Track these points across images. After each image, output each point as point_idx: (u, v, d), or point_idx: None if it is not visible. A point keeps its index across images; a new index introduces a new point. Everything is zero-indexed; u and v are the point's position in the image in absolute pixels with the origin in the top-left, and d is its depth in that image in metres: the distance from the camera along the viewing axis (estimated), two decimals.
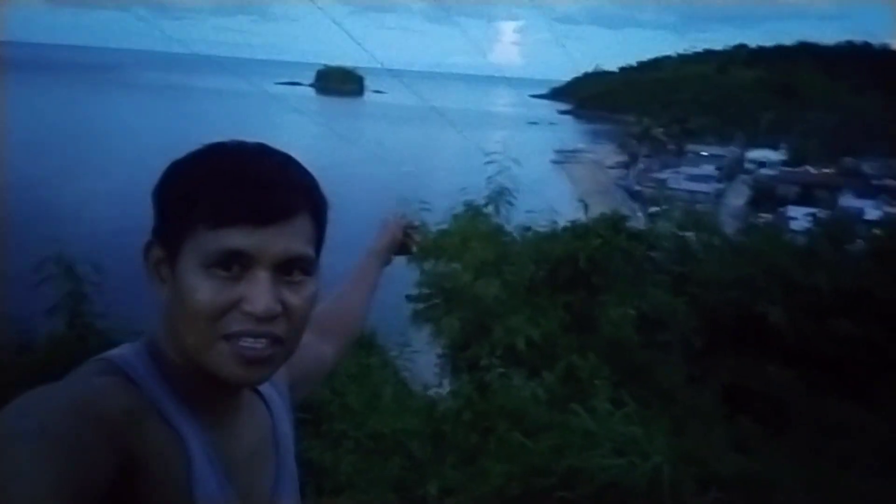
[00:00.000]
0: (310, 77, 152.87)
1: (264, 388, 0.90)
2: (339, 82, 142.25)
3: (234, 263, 0.69)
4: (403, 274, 6.14)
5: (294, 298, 0.72)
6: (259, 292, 0.69)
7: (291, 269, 0.72)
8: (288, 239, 0.71)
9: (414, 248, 1.39)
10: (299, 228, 0.73)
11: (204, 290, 0.69)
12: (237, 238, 0.69)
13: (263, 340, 0.70)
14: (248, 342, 0.70)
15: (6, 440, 0.55)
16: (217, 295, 0.69)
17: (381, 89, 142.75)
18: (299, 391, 1.02)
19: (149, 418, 0.69)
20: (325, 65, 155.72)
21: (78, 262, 4.03)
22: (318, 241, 0.77)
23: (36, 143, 42.05)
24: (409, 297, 6.03)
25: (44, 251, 3.97)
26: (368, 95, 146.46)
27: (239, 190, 0.69)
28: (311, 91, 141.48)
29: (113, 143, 48.44)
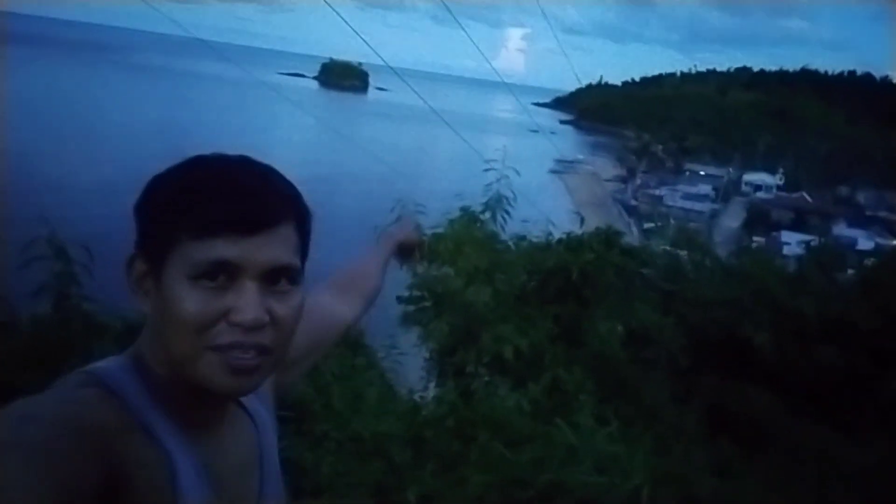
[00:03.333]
0: (315, 70, 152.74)
1: (250, 401, 0.89)
2: (344, 77, 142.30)
3: (221, 274, 0.69)
4: (396, 275, 6.12)
5: (281, 308, 0.72)
6: (246, 302, 0.69)
7: (278, 278, 0.72)
8: (273, 248, 0.71)
9: (415, 263, 1.45)
10: (284, 238, 0.73)
11: (191, 301, 0.68)
12: (223, 248, 0.68)
13: (251, 351, 0.70)
14: (237, 353, 0.70)
15: None
16: (204, 306, 0.68)
17: (384, 87, 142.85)
18: (314, 355, 1.09)
19: (132, 432, 0.68)
20: (330, 58, 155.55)
21: (69, 244, 4.00)
22: (303, 251, 0.77)
23: (34, 120, 41.77)
24: (399, 299, 6.01)
25: (34, 231, 3.93)
26: (372, 92, 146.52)
27: (223, 200, 0.69)
28: (314, 83, 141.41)
29: (112, 125, 48.22)
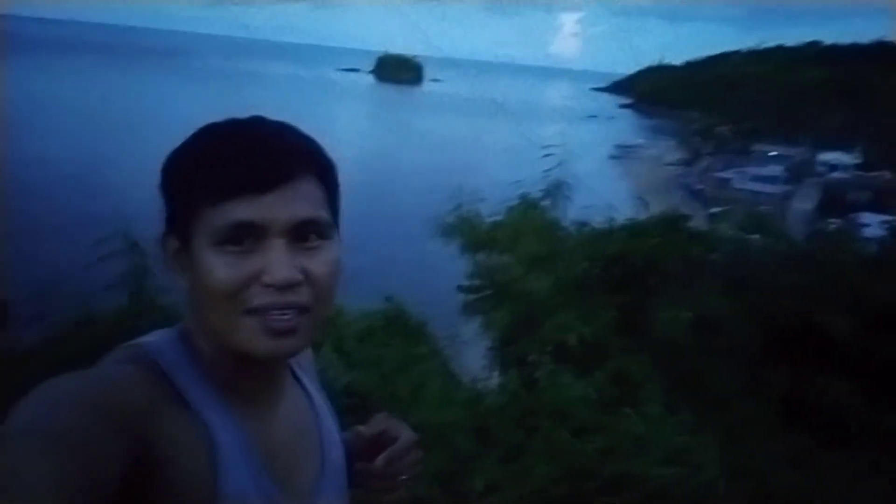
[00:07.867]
0: (370, 64, 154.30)
1: (306, 381, 0.88)
2: (398, 70, 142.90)
3: (246, 236, 0.68)
4: (457, 264, 6.13)
5: (314, 264, 0.70)
6: (275, 261, 0.68)
7: (307, 234, 0.70)
8: (295, 203, 0.69)
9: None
10: (305, 191, 0.71)
11: (220, 268, 0.67)
12: (241, 209, 0.67)
13: (289, 312, 0.69)
14: (274, 314, 0.68)
15: (9, 437, 0.53)
16: (233, 271, 0.67)
17: (439, 78, 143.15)
18: None
19: (171, 408, 0.67)
20: (385, 52, 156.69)
21: (142, 239, 4.15)
22: (332, 203, 0.75)
23: (107, 124, 43.79)
24: (460, 288, 6.01)
25: (109, 227, 4.10)
26: (427, 84, 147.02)
27: (235, 160, 0.68)
28: (370, 78, 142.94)
29: (179, 127, 50.01)
